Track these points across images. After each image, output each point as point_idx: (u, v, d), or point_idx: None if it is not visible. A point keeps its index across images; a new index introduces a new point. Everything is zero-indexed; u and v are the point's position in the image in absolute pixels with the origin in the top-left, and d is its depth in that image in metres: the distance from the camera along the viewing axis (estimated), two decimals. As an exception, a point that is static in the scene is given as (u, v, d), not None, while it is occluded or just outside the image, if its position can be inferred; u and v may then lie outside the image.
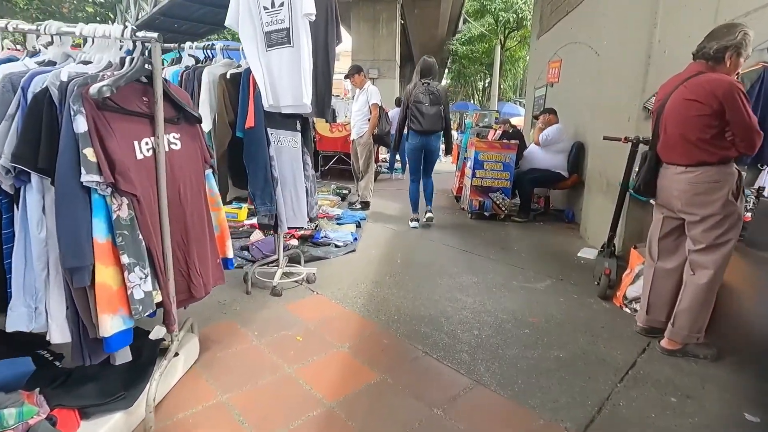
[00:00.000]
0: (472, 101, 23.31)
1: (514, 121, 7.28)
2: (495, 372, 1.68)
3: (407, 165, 5.10)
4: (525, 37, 18.05)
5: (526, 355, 1.81)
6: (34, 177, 1.08)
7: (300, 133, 2.40)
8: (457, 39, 20.43)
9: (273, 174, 2.18)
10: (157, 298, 1.23)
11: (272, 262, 2.57)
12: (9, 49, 1.96)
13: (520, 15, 16.77)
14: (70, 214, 1.04)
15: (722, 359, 1.83)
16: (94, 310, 1.09)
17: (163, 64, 2.34)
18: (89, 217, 1.07)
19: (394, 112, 6.53)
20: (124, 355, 1.27)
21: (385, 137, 4.71)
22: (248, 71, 2.09)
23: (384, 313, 2.15)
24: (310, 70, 2.09)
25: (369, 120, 4.53)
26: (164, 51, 2.42)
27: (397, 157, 7.55)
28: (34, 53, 1.31)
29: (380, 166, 7.40)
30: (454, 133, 8.36)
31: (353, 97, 4.69)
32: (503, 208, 4.30)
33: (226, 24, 2.12)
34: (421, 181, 4.06)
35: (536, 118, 4.73)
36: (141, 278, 1.16)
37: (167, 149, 1.31)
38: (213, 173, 1.58)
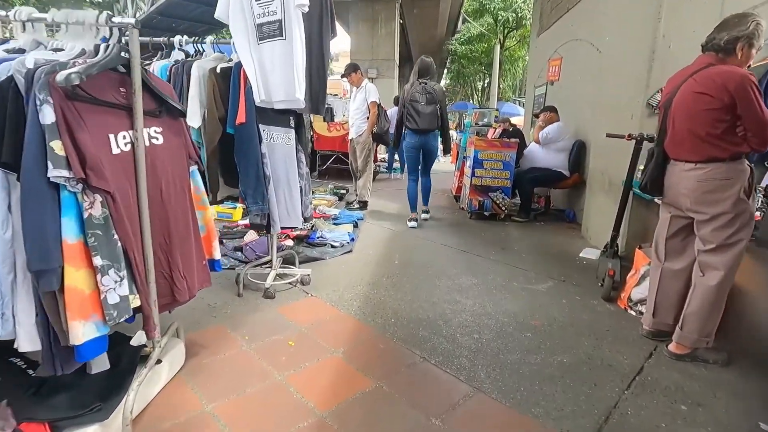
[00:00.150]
0: (471, 101, 23.24)
1: (513, 120, 7.20)
2: (496, 378, 1.60)
3: (406, 164, 5.10)
4: (524, 37, 18.00)
5: (529, 361, 1.73)
6: (-2, 172, 1.00)
7: (294, 130, 2.32)
8: (456, 39, 20.36)
9: (265, 172, 2.10)
10: (135, 302, 1.15)
11: (266, 263, 2.49)
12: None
13: (520, 14, 16.70)
14: (36, 213, 0.96)
15: (733, 364, 1.75)
16: (64, 316, 1.01)
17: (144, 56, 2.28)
18: (58, 216, 0.99)
19: (392, 111, 6.46)
20: (101, 363, 1.19)
21: (384, 135, 4.65)
22: (239, 65, 2.02)
23: (380, 316, 2.07)
24: (303, 63, 2.01)
25: (368, 118, 4.45)
26: (155, 49, 2.37)
27: (396, 156, 7.48)
28: (4, 41, 1.23)
29: (379, 166, 7.33)
30: (453, 133, 8.31)
31: (352, 96, 4.61)
32: (503, 208, 4.22)
33: (215, 16, 2.05)
34: (420, 181, 4.09)
35: (537, 116, 4.66)
36: (116, 281, 1.08)
37: (147, 144, 1.23)
38: (199, 170, 1.50)
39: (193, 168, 1.45)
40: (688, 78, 1.70)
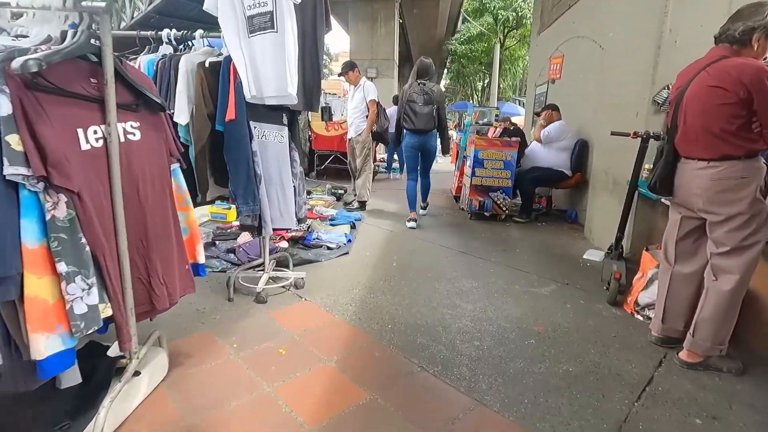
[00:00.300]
0: (471, 101, 23.16)
1: (513, 120, 7.11)
2: (498, 390, 1.50)
3: (405, 164, 5.07)
4: (525, 36, 17.91)
5: (533, 370, 1.64)
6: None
7: (287, 127, 2.23)
8: (456, 38, 20.27)
9: (256, 171, 2.01)
10: (107, 311, 1.06)
11: (258, 266, 2.39)
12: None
13: (520, 13, 16.61)
14: (-10, 214, 0.87)
15: (748, 373, 1.66)
16: (24, 328, 0.92)
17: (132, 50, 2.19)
18: (16, 218, 0.89)
19: (391, 110, 6.37)
20: (71, 377, 1.10)
21: (384, 134, 4.56)
22: (228, 59, 1.93)
23: (377, 322, 1.98)
24: (296, 57, 1.93)
25: (367, 117, 4.36)
26: (142, 43, 2.28)
27: (395, 156, 7.39)
28: (-36, 28, 1.14)
29: (378, 166, 7.24)
30: (453, 133, 8.22)
31: (350, 95, 4.51)
32: (504, 209, 4.13)
33: (204, 8, 1.95)
34: (419, 182, 4.08)
35: (538, 114, 4.57)
36: (84, 289, 0.99)
37: (122, 139, 1.14)
38: (182, 168, 1.41)
39: (175, 166, 1.36)
40: (700, 71, 1.60)
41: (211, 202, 2.24)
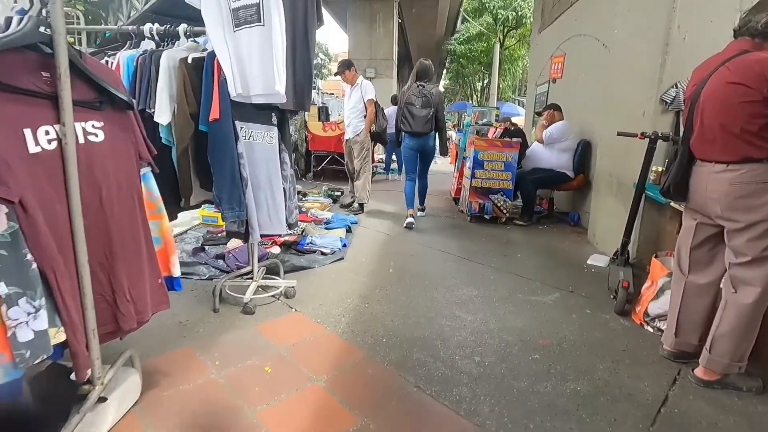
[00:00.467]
0: (470, 101, 23.05)
1: (514, 121, 7.00)
2: (501, 413, 1.38)
3: (404, 165, 5.02)
4: (524, 36, 17.80)
5: (538, 389, 1.52)
6: None
7: (276, 128, 2.11)
8: (456, 38, 20.16)
9: (242, 174, 1.88)
10: (59, 337, 0.94)
11: (247, 273, 2.27)
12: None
13: (520, 13, 16.49)
14: None
15: (769, 392, 1.54)
16: (-43, 358, 0.80)
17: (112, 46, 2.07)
18: (-55, 233, 0.77)
19: (390, 110, 6.25)
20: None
21: (382, 134, 4.45)
22: (212, 55, 1.80)
23: (371, 335, 1.86)
24: (284, 53, 1.80)
25: (365, 117, 4.24)
26: (123, 38, 2.16)
27: (393, 156, 7.28)
28: None
29: (376, 167, 7.13)
30: (453, 133, 8.12)
31: (347, 95, 4.39)
32: (505, 211, 4.01)
33: (186, 0, 1.84)
34: (417, 183, 4.07)
35: (539, 114, 4.45)
36: (29, 313, 0.87)
37: (82, 140, 1.02)
38: (153, 172, 1.28)
39: (146, 170, 1.23)
40: (719, 67, 1.49)
41: (197, 206, 2.11)
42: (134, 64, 1.91)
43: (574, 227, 4.03)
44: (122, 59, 1.94)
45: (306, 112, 6.98)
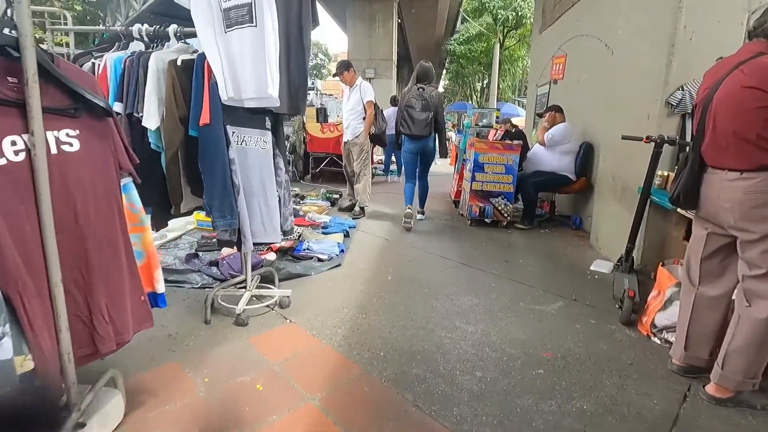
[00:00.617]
0: (470, 102, 22.98)
1: (514, 121, 6.94)
2: (504, 435, 1.31)
3: (403, 167, 4.98)
4: (524, 36, 17.73)
5: (542, 408, 1.45)
6: None
7: (270, 132, 2.04)
8: (455, 39, 20.09)
9: (234, 180, 1.81)
10: (26, 365, 0.86)
11: (240, 282, 2.20)
12: None
13: (520, 13, 16.42)
14: None
15: (785, 411, 1.47)
16: None
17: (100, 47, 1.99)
18: None
19: (389, 112, 6.19)
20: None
21: (381, 136, 4.38)
22: (202, 57, 1.73)
23: (368, 349, 1.79)
24: (277, 55, 1.73)
25: (364, 119, 4.17)
26: (112, 40, 2.08)
27: (393, 158, 7.21)
28: None
29: (375, 168, 7.05)
30: (453, 134, 8.05)
31: (345, 96, 4.32)
32: (506, 215, 3.94)
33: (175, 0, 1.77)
34: (417, 184, 4.07)
35: (540, 116, 4.38)
36: (-9, 341, 0.80)
37: (55, 151, 0.95)
38: (135, 183, 1.21)
39: (126, 180, 1.16)
40: (732, 70, 1.42)
41: (188, 213, 2.04)
42: (122, 66, 1.84)
43: (576, 231, 3.97)
44: (109, 61, 1.87)
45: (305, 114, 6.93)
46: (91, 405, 1.14)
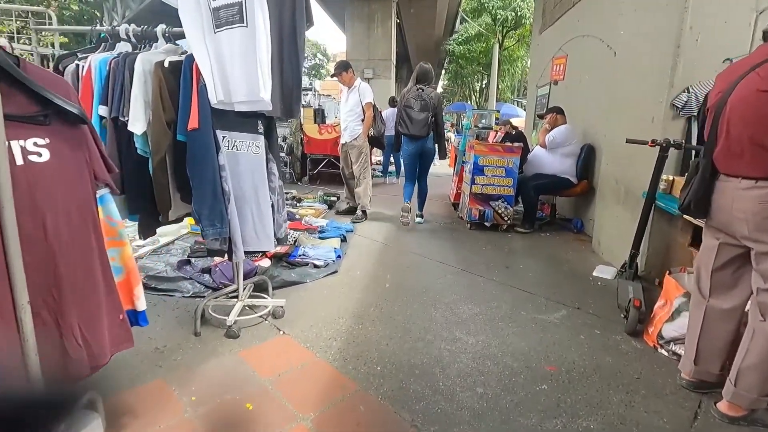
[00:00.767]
0: (469, 102, 22.92)
1: (513, 122, 6.87)
2: (507, 459, 1.24)
3: (402, 168, 4.92)
4: (524, 36, 17.67)
5: (547, 427, 1.38)
6: None
7: (263, 136, 1.96)
8: (454, 39, 20.03)
9: (224, 187, 1.74)
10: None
11: (232, 292, 2.12)
12: None
13: (519, 13, 16.35)
14: None
15: (801, 430, 1.40)
16: None
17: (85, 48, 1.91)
18: None
19: (387, 112, 6.12)
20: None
21: (380, 138, 4.32)
22: (190, 58, 1.66)
23: (364, 362, 1.71)
24: (268, 57, 1.66)
25: (362, 121, 4.10)
26: (99, 41, 2.01)
27: (391, 159, 7.13)
28: None
29: (374, 169, 6.98)
30: (452, 135, 7.99)
31: (344, 97, 4.24)
32: (506, 218, 3.87)
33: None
34: (417, 185, 4.10)
35: (541, 117, 4.31)
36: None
37: (21, 161, 0.88)
38: (113, 193, 1.13)
39: (103, 192, 1.09)
40: (747, 73, 1.34)
41: (177, 221, 1.96)
42: (107, 67, 1.77)
43: (578, 234, 3.90)
44: (94, 62, 1.79)
45: (302, 114, 6.85)
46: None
